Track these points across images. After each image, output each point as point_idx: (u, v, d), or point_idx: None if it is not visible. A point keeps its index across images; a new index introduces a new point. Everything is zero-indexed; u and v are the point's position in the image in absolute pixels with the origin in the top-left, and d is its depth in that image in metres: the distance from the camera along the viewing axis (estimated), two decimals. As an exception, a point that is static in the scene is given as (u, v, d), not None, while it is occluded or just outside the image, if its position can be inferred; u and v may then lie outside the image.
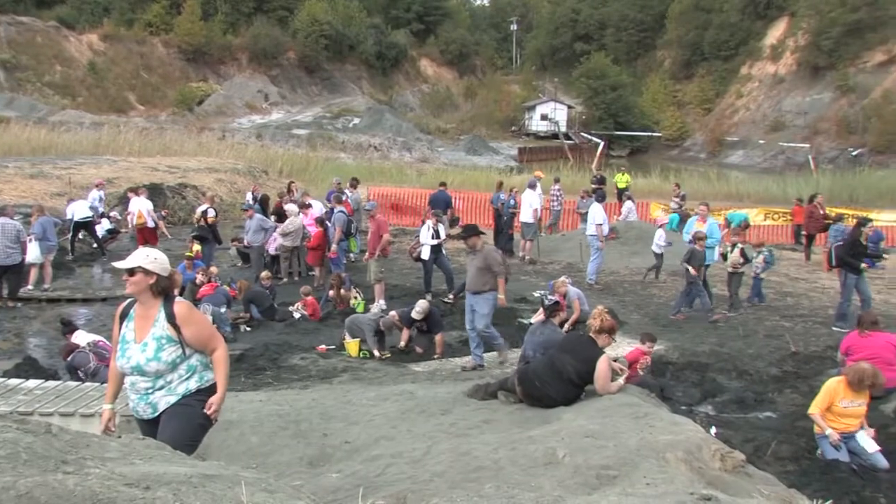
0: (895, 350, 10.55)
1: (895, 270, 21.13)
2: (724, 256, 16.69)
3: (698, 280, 15.68)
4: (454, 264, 18.49)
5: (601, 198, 20.85)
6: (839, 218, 22.78)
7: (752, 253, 16.83)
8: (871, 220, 16.07)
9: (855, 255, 14.73)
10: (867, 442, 8.35)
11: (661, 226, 21.81)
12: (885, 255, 19.85)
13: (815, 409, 8.60)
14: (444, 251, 17.65)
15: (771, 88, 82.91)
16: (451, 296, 16.81)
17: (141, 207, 20.94)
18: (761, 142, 76.08)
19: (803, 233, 23.25)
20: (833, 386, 8.58)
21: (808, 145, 70.07)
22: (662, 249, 18.96)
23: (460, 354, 12.94)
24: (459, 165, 58.17)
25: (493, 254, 12.19)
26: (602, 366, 7.47)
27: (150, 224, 20.91)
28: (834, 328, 14.54)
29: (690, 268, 15.54)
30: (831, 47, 74.34)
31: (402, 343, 13.51)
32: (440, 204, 23.41)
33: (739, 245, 16.32)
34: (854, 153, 65.98)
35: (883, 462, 8.18)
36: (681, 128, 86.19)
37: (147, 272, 5.20)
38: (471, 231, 12.18)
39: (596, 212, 18.44)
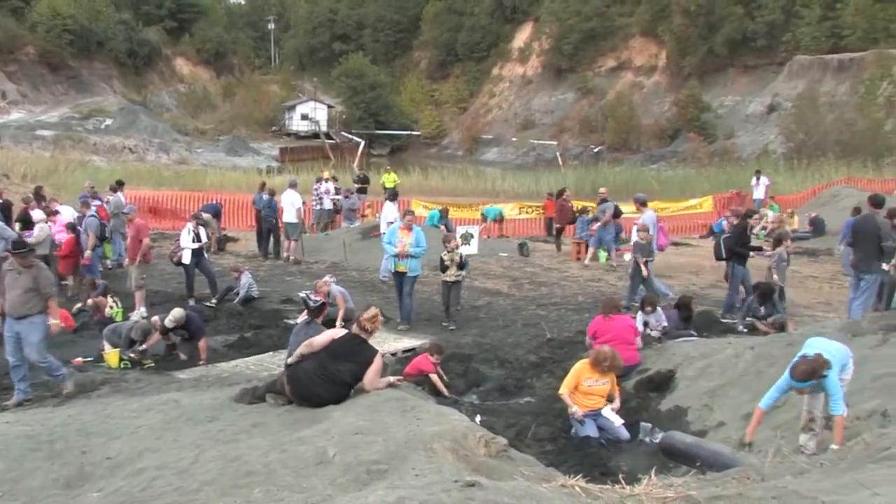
0: (634, 331, 11.53)
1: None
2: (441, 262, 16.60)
3: (640, 273, 15.98)
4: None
5: (392, 196, 21.44)
6: (584, 210, 24.29)
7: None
8: (756, 212, 16.48)
9: (742, 245, 15.02)
10: (613, 417, 9.05)
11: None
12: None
13: (563, 390, 9.22)
14: (205, 254, 17.14)
15: (521, 89, 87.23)
16: (214, 300, 16.41)
17: None
18: (514, 139, 79.79)
19: (555, 225, 24.53)
20: (579, 367, 9.24)
21: (555, 142, 74.34)
22: None
23: (226, 359, 12.63)
24: (220, 166, 56.63)
25: (44, 272, 10.48)
26: (377, 364, 7.58)
27: None
28: (723, 320, 14.73)
29: (640, 261, 15.86)
30: (571, 52, 79.58)
31: (145, 351, 12.91)
32: (209, 207, 22.76)
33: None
34: (595, 150, 70.89)
35: (625, 434, 8.90)
36: (438, 126, 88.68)
37: None
38: (19, 246, 10.36)
39: (388, 210, 19.00)
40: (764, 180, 31.20)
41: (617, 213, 22.21)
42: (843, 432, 7.09)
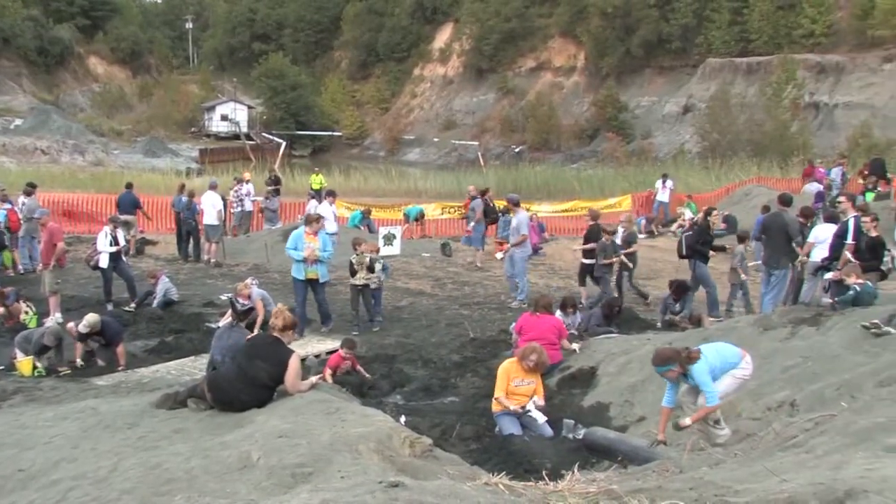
0: (558, 332, 11.70)
1: (555, 257, 23.19)
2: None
3: (608, 272, 16.06)
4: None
5: (331, 195, 21.36)
6: (506, 210, 24.49)
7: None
8: (715, 209, 16.58)
9: (703, 244, 15.13)
10: (537, 415, 9.18)
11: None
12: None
13: (499, 393, 9.32)
14: (123, 258, 16.77)
15: (442, 89, 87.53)
16: (133, 304, 16.09)
17: None
18: (435, 140, 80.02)
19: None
20: (507, 367, 9.33)
21: (477, 143, 74.80)
22: None
23: (146, 364, 12.40)
24: (138, 168, 55.33)
25: None
26: (293, 364, 7.52)
27: None
28: (709, 317, 14.75)
29: (605, 260, 15.88)
30: (492, 52, 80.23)
31: (77, 359, 12.64)
32: (128, 206, 22.20)
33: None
34: (516, 150, 71.60)
35: (549, 431, 9.03)
36: (360, 127, 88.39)
37: None
38: None
39: (325, 211, 19.12)
40: (669, 184, 31.32)
41: (487, 213, 22.31)
42: (701, 415, 7.37)
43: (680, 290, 14.78)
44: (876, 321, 9.20)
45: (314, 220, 14.49)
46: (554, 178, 47.72)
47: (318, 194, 27.34)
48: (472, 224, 21.64)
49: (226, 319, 11.85)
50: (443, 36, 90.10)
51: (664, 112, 65.68)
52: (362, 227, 25.14)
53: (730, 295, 15.95)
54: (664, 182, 31.55)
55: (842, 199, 14.89)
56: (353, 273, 14.75)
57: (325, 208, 20.16)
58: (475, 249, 21.66)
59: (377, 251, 15.45)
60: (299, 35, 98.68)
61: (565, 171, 53.58)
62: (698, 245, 15.06)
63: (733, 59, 62.23)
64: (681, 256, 16.18)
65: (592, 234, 16.84)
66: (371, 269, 14.79)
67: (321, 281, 14.29)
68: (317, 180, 33.17)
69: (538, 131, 70.76)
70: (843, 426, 5.96)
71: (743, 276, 15.57)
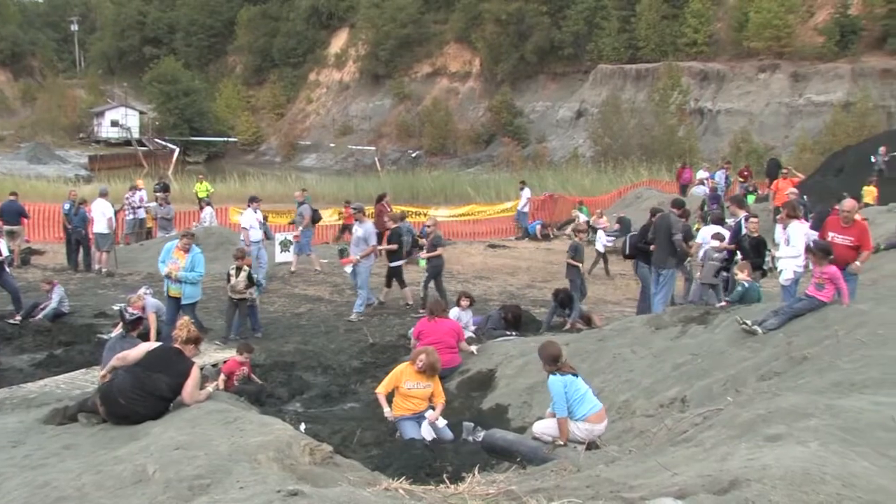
0: (456, 335, 11.81)
1: (451, 262, 23.36)
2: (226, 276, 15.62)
3: (580, 274, 15.77)
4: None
5: (253, 200, 20.49)
6: (404, 216, 24.54)
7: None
8: (661, 210, 16.55)
9: (647, 243, 14.93)
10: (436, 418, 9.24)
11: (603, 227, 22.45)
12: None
13: (380, 390, 9.35)
14: (7, 268, 16.09)
15: (338, 94, 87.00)
16: (18, 317, 15.42)
17: None
18: (332, 145, 79.45)
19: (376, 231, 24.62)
20: (399, 369, 9.37)
21: (374, 148, 74.66)
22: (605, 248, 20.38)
23: (33, 379, 11.93)
24: (22, 175, 53.09)
25: None
26: (194, 376, 7.39)
27: None
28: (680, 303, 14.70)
29: (574, 262, 15.63)
30: (388, 58, 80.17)
31: None
32: (12, 215, 21.31)
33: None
34: (413, 155, 71.82)
35: (449, 434, 9.11)
36: (255, 132, 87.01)
37: None
38: None
39: (247, 217, 18.98)
40: (526, 192, 31.24)
41: (315, 218, 22.10)
42: (563, 428, 7.82)
43: (564, 302, 15.01)
44: (747, 321, 9.63)
45: (186, 237, 13.50)
46: (450, 182, 48.11)
47: (202, 202, 26.92)
48: (301, 229, 20.86)
49: (118, 330, 11.50)
50: (338, 41, 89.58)
51: (558, 117, 66.89)
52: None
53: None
54: (521, 190, 31.50)
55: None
56: (230, 284, 14.30)
57: (248, 216, 19.42)
58: (306, 255, 21.15)
59: (250, 266, 14.99)
60: (192, 39, 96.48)
61: (462, 175, 54.06)
62: (640, 244, 15.16)
63: (623, 65, 63.90)
64: (625, 257, 16.54)
65: (394, 237, 17.27)
66: (250, 283, 14.37)
67: (185, 302, 13.26)
68: (202, 188, 32.23)
69: (435, 136, 71.18)
70: (728, 419, 6.21)
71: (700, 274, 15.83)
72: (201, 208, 27.31)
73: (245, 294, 14.34)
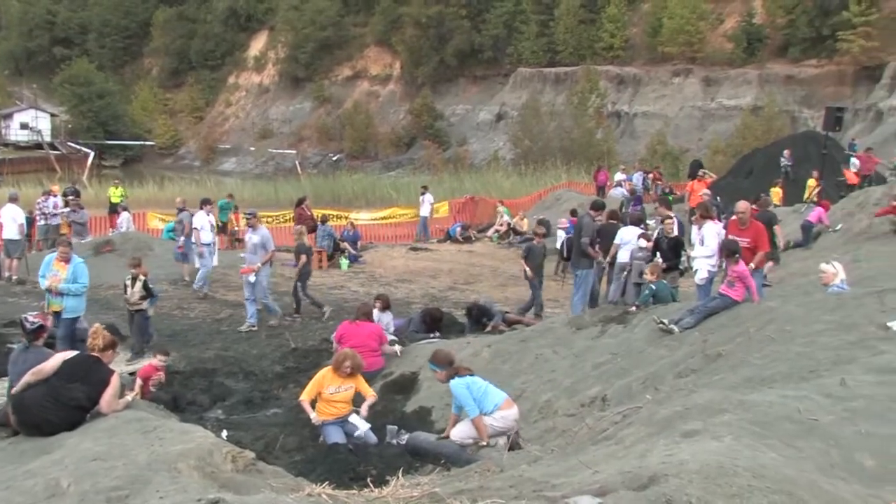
0: (379, 338, 11.81)
1: (374, 265, 23.37)
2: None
3: (536, 277, 15.57)
4: None
5: (205, 202, 20.13)
6: (325, 219, 24.47)
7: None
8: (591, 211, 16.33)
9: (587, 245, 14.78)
10: (359, 422, 9.22)
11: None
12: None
13: (304, 397, 9.27)
14: None
15: (257, 98, 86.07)
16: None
17: None
18: (252, 149, 78.58)
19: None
20: (321, 375, 9.32)
21: (294, 151, 74.13)
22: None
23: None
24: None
25: None
26: (113, 384, 7.23)
27: None
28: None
29: (527, 268, 15.38)
30: (308, 61, 79.67)
31: None
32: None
33: None
34: (334, 158, 71.54)
35: (373, 438, 9.10)
36: (174, 136, 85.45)
37: None
38: None
39: (198, 220, 18.51)
40: (428, 198, 30.90)
41: (304, 221, 21.81)
42: (480, 427, 7.96)
43: (478, 318, 14.95)
44: (664, 320, 9.88)
45: (63, 247, 12.64)
46: (372, 185, 48.11)
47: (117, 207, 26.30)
48: (182, 239, 19.70)
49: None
50: (257, 44, 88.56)
51: (478, 120, 67.40)
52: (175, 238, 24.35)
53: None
54: (423, 195, 31.13)
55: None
56: (125, 295, 13.72)
57: (200, 217, 18.84)
58: (182, 264, 20.11)
59: (147, 275, 14.41)
60: (105, 40, 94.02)
61: (383, 178, 54.08)
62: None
63: (542, 69, 64.78)
64: (565, 259, 16.63)
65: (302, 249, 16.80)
66: (146, 293, 13.70)
67: (66, 316, 12.23)
68: (116, 193, 31.03)
69: (355, 139, 71.01)
70: (647, 417, 6.35)
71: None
72: (116, 214, 26.64)
73: (141, 305, 13.66)
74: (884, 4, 51.18)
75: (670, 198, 26.21)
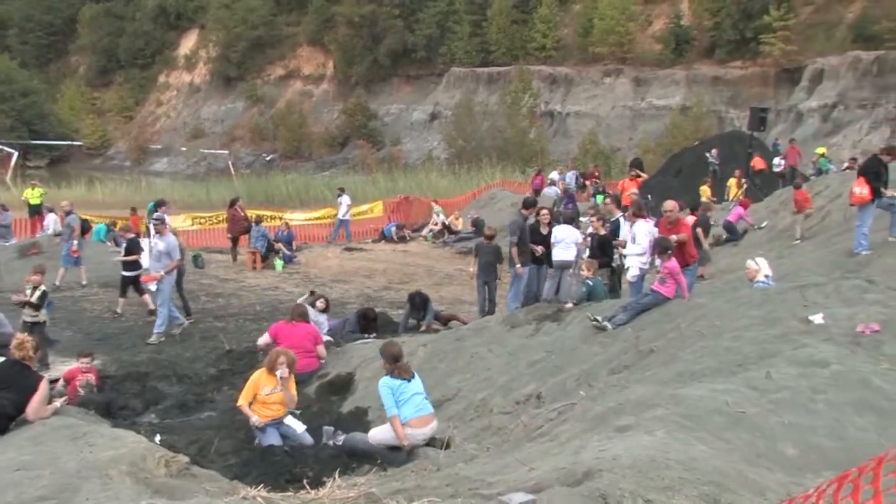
0: (314, 339, 11.74)
1: (309, 265, 23.23)
2: None
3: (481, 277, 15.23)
4: None
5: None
6: (259, 220, 24.21)
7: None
8: (546, 209, 16.01)
9: (536, 242, 14.24)
10: (295, 423, 9.16)
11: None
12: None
13: (242, 401, 9.16)
14: None
15: (189, 97, 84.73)
16: None
17: None
18: (184, 149, 77.33)
19: (228, 235, 24.17)
20: (256, 377, 9.23)
21: (227, 151, 73.11)
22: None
23: None
24: None
25: None
26: (42, 390, 7.06)
27: None
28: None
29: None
30: (239, 60, 78.72)
31: None
32: None
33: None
34: (268, 158, 70.84)
35: (309, 439, 9.04)
36: (102, 136, 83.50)
37: None
38: None
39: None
40: (345, 199, 30.32)
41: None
42: (397, 429, 8.04)
43: (417, 306, 15.09)
44: (598, 317, 10.04)
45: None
46: (305, 186, 47.77)
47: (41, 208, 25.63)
48: (74, 242, 18.78)
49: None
50: (188, 42, 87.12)
51: (412, 119, 67.40)
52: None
53: None
54: (339, 196, 30.63)
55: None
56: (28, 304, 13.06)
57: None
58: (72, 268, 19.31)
59: (41, 283, 13.43)
60: (28, 36, 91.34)
61: (317, 178, 53.73)
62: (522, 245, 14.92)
63: (475, 68, 65.06)
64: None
65: (132, 247, 16.36)
66: (40, 303, 13.10)
67: None
68: (34, 194, 29.96)
69: (289, 139, 70.43)
70: (581, 413, 6.45)
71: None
72: (40, 215, 25.97)
73: (37, 315, 13.10)
74: (801, 10, 52.83)
75: (601, 196, 26.58)
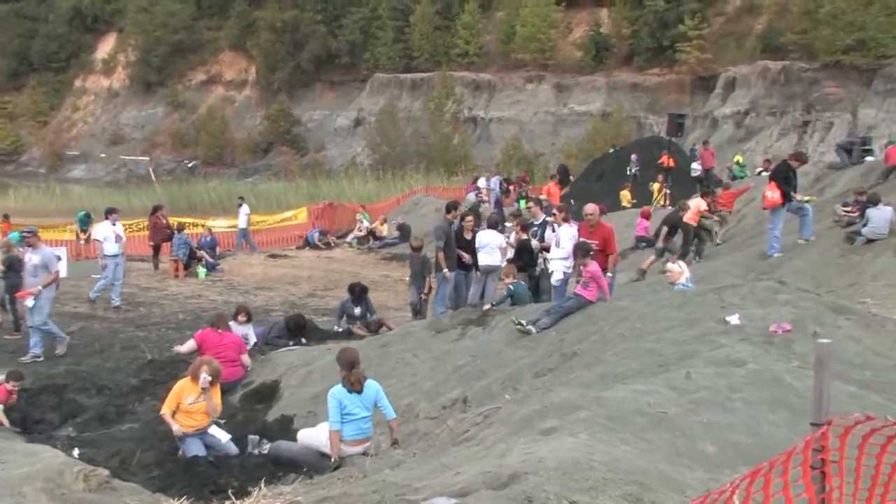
0: (238, 348, 11.60)
1: (232, 272, 22.92)
2: None
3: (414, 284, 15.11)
4: None
5: (110, 212, 18.74)
6: (181, 227, 23.79)
7: None
8: (469, 215, 15.71)
9: (460, 247, 14.13)
10: (219, 433, 9.03)
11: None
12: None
13: (165, 410, 9.01)
14: None
15: (107, 102, 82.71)
16: None
17: None
18: (103, 155, 75.52)
19: (150, 243, 23.70)
20: (179, 386, 9.09)
21: (147, 158, 71.66)
22: None
23: None
24: None
25: None
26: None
27: None
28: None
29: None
30: (160, 64, 77.18)
31: None
32: None
33: None
34: (189, 164, 69.64)
35: (234, 449, 8.93)
36: (15, 141, 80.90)
37: None
38: None
39: (103, 229, 17.75)
40: (244, 209, 29.62)
41: (160, 229, 20.88)
42: (334, 445, 7.97)
43: (360, 295, 15.26)
44: (522, 321, 10.15)
45: None
46: (228, 192, 47.15)
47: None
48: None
49: None
50: (106, 46, 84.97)
51: (336, 125, 67.08)
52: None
53: None
54: (240, 206, 29.99)
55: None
56: None
57: (104, 228, 17.75)
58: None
59: None
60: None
61: (240, 185, 53.09)
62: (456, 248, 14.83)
63: (399, 74, 65.10)
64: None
65: (14, 265, 15.18)
66: None
67: None
68: None
69: (211, 146, 69.38)
70: (506, 417, 6.51)
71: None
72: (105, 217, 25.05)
73: None
74: (714, 20, 54.41)
75: (525, 201, 26.86)
